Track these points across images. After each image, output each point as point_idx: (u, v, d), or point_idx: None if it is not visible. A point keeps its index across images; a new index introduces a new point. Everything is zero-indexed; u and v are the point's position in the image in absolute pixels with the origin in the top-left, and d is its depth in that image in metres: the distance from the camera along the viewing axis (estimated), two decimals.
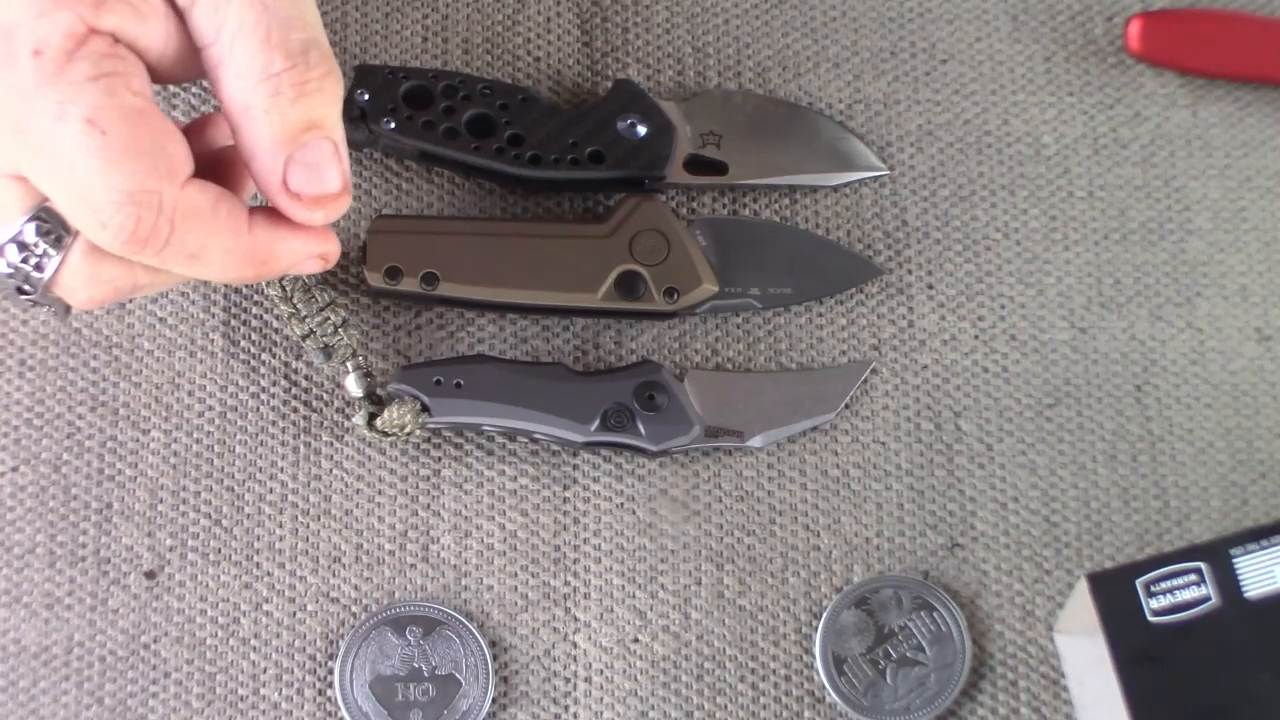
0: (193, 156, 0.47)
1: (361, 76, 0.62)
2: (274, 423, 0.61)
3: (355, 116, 0.61)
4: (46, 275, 0.48)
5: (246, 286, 0.62)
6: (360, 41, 0.65)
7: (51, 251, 0.47)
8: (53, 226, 0.47)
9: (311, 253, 0.50)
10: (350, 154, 0.53)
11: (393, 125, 0.61)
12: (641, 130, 0.62)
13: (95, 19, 0.43)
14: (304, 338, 0.59)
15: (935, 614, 0.59)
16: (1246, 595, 0.52)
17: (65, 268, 0.48)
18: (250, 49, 0.45)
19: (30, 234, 0.47)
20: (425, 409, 0.60)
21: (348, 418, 0.61)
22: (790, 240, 0.63)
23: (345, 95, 0.49)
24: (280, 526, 0.60)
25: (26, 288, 0.48)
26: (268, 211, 0.49)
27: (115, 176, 0.44)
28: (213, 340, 0.62)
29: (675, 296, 0.61)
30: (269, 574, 0.60)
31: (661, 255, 0.61)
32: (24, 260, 0.47)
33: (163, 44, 0.46)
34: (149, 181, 0.44)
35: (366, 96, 0.61)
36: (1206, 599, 0.52)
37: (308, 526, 0.60)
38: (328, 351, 0.59)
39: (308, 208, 0.48)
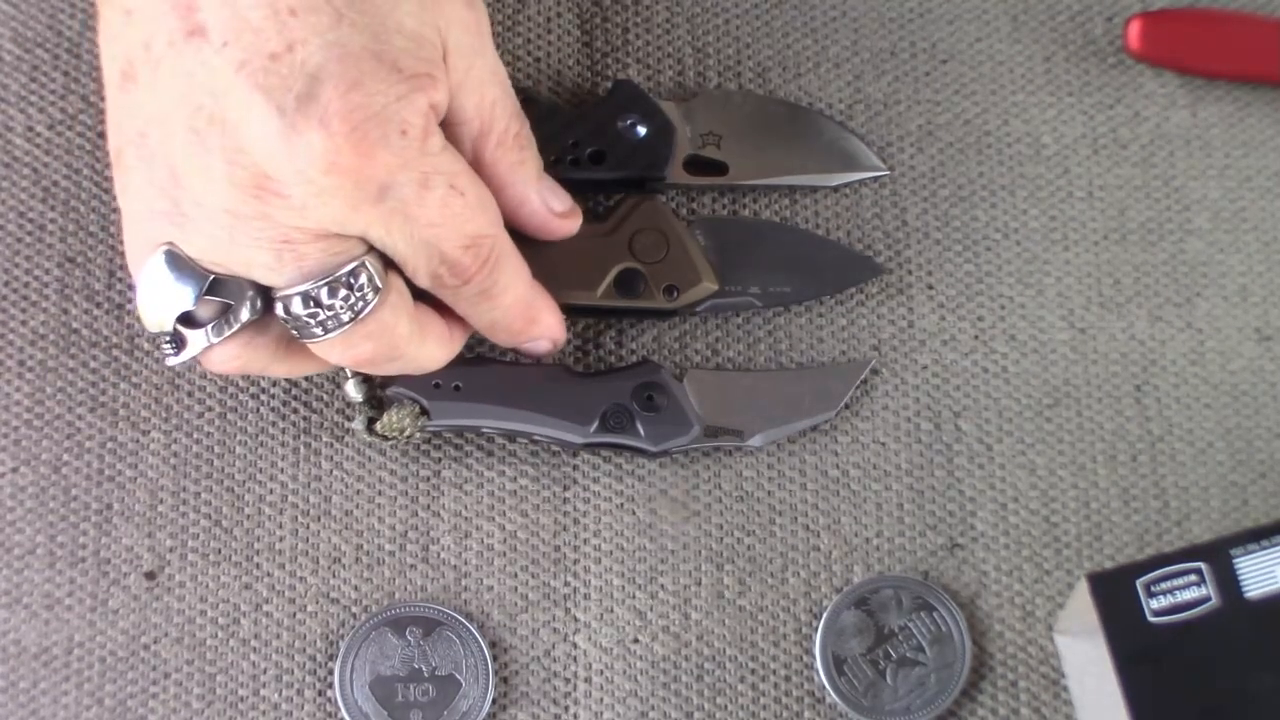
0: None
1: None
2: (274, 423, 0.61)
3: None
4: (338, 331, 0.51)
5: None
6: None
7: (369, 297, 0.51)
8: (355, 285, 0.51)
9: (549, 334, 0.58)
10: None
11: None
12: (641, 130, 0.62)
13: (432, 97, 0.49)
14: None
15: (935, 614, 0.59)
16: (1246, 595, 0.52)
17: (365, 320, 0.51)
18: (504, 118, 0.54)
19: (350, 279, 0.51)
20: (424, 412, 0.60)
21: (348, 419, 0.61)
22: (790, 239, 0.63)
23: None
24: (280, 527, 0.60)
25: (317, 331, 0.51)
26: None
27: (468, 226, 0.52)
28: None
29: (675, 294, 0.61)
30: (269, 575, 0.60)
31: (661, 253, 0.61)
32: (344, 300, 0.51)
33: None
34: (489, 228, 0.53)
35: None
36: (1206, 599, 0.52)
37: (308, 527, 0.60)
38: None
39: (571, 219, 0.58)
